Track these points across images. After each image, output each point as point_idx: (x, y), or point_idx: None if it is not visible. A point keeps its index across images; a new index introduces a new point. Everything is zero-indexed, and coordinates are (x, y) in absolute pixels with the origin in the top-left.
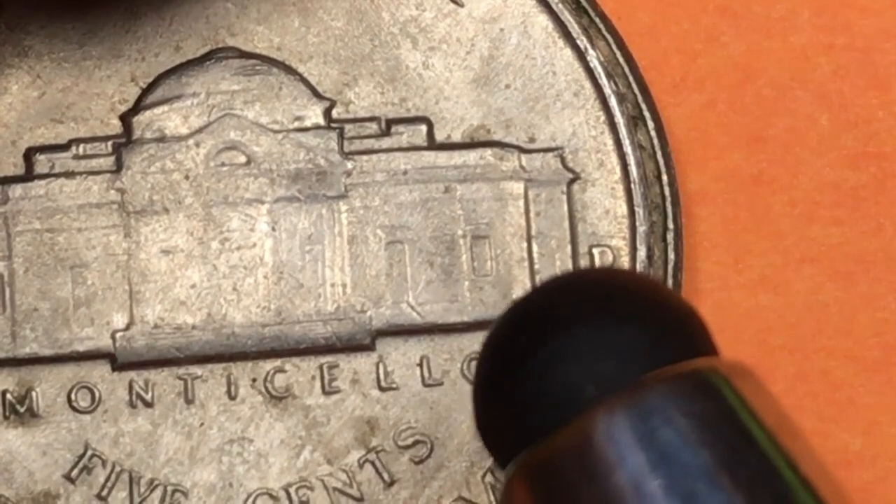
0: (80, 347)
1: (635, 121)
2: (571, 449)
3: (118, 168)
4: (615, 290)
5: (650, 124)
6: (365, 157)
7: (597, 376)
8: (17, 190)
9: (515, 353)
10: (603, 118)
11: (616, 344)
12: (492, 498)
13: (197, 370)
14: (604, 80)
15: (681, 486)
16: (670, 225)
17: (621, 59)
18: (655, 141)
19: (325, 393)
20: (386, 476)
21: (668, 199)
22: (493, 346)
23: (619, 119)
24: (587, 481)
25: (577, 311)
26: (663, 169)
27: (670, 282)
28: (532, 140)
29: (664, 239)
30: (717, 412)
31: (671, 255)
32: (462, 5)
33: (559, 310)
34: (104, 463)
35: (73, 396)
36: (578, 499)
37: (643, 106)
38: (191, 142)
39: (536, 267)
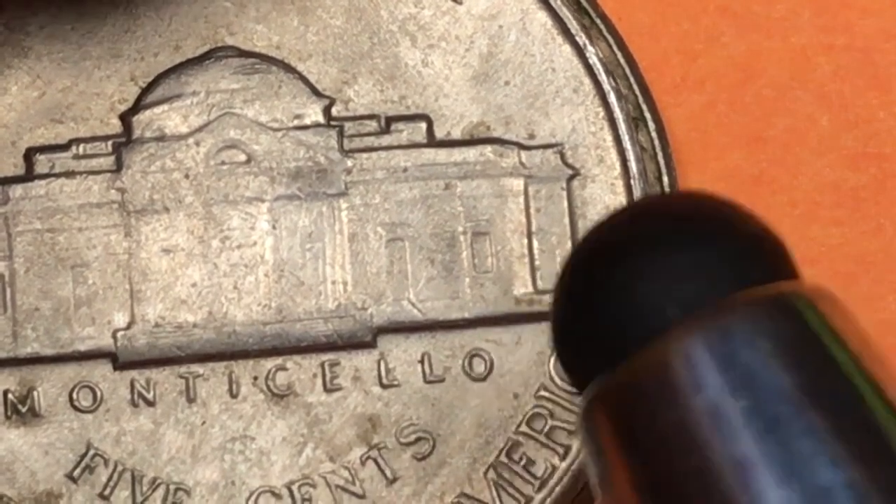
0: (82, 347)
1: (636, 122)
2: (651, 371)
3: (118, 167)
4: (698, 212)
5: (651, 125)
6: (365, 155)
7: (678, 297)
8: (17, 190)
9: (596, 273)
10: (602, 114)
11: (698, 265)
12: (494, 494)
13: (198, 369)
14: (603, 77)
15: (763, 408)
16: None
17: (622, 60)
18: (656, 142)
19: (327, 390)
20: (388, 473)
21: None
22: (573, 266)
23: (619, 115)
24: (667, 403)
25: (659, 232)
26: (664, 170)
27: None
28: (532, 136)
29: None
30: (800, 335)
31: None
32: (461, 3)
33: (641, 230)
34: (106, 462)
35: (74, 396)
36: (659, 421)
37: (644, 107)
38: (191, 141)
39: (537, 263)
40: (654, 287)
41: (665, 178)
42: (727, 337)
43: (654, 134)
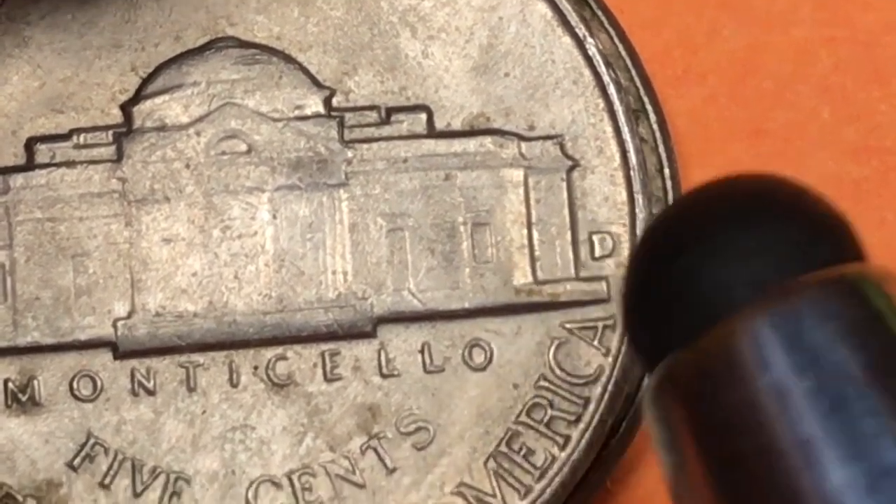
0: (82, 336)
1: (637, 114)
2: (718, 351)
3: (119, 157)
4: (766, 193)
5: (652, 117)
6: (365, 146)
7: (746, 279)
8: (18, 179)
9: (666, 253)
10: (602, 106)
11: (766, 247)
12: (494, 484)
13: (199, 358)
14: (602, 69)
15: (827, 388)
16: None
17: (623, 52)
18: (657, 134)
19: (327, 380)
20: (388, 462)
21: (671, 193)
22: (645, 246)
23: (618, 107)
24: (734, 383)
25: (726, 213)
26: (665, 162)
27: None
28: (531, 128)
29: None
30: (867, 317)
31: None
32: None
33: (709, 211)
34: (106, 451)
35: (74, 385)
36: (725, 400)
37: (645, 99)
38: (191, 131)
39: (537, 253)
40: (722, 269)
41: (666, 170)
42: (793, 318)
43: (654, 126)
